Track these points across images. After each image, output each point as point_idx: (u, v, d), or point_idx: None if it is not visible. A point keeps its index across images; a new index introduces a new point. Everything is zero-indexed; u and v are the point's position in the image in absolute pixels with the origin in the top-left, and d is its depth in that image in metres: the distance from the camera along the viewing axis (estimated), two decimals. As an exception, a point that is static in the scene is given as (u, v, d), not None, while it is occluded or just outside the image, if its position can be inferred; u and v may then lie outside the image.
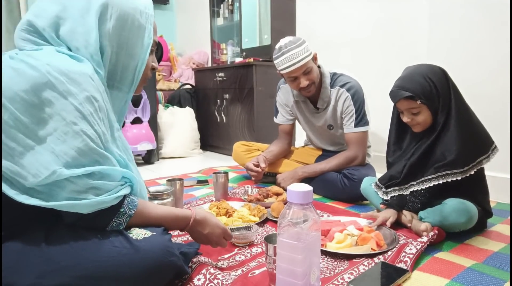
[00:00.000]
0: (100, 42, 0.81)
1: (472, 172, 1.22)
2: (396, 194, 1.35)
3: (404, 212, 1.34)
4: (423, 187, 1.28)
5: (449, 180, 1.23)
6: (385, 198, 1.37)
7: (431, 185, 1.26)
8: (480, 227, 1.31)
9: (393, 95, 1.29)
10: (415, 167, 1.30)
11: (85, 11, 0.80)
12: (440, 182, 1.24)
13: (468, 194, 1.25)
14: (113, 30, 0.82)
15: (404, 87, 1.26)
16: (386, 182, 1.37)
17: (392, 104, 1.36)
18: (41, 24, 0.79)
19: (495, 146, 1.28)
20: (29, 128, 0.70)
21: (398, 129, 1.40)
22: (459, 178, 1.22)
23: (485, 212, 1.31)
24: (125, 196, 0.81)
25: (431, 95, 1.24)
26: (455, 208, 1.20)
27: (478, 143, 1.25)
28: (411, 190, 1.31)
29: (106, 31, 0.81)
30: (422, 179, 1.28)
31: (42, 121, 0.70)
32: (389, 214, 1.32)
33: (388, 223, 1.29)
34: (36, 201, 0.70)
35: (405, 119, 1.31)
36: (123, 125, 2.69)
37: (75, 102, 0.72)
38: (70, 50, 0.79)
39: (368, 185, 1.51)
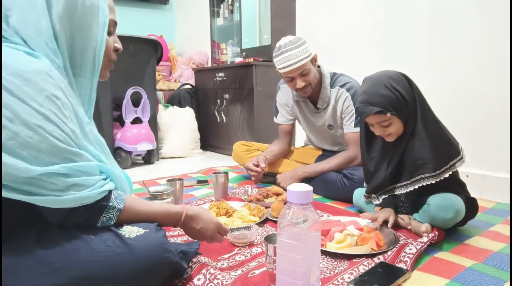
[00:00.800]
0: (53, 28, 0.77)
1: (447, 175, 1.21)
2: (387, 196, 1.36)
3: (400, 216, 1.35)
4: (402, 192, 1.29)
5: (424, 184, 1.23)
6: (377, 202, 1.39)
7: (408, 190, 1.27)
8: (472, 215, 1.32)
9: (361, 111, 1.26)
10: (394, 175, 1.31)
11: None
12: (416, 187, 1.25)
13: (449, 188, 1.25)
14: (63, 13, 0.78)
15: (371, 102, 1.22)
16: (373, 192, 1.39)
17: None
18: None
19: (462, 147, 1.27)
20: None
21: (368, 140, 1.39)
22: (433, 181, 1.22)
23: (468, 199, 1.29)
24: (111, 191, 0.81)
25: (399, 105, 1.22)
26: (439, 206, 1.20)
27: (449, 146, 1.24)
28: (396, 192, 1.32)
29: (56, 15, 0.77)
30: (399, 184, 1.30)
31: (3, 126, 0.67)
32: (388, 213, 1.33)
33: (390, 224, 1.29)
34: (16, 194, 0.69)
35: (377, 132, 1.29)
36: (123, 125, 2.69)
37: (35, 105, 0.70)
38: (24, 40, 0.76)
39: (360, 197, 1.52)
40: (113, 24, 0.89)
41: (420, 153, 1.23)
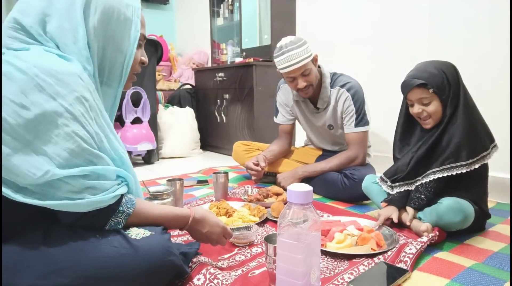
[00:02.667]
0: (87, 37, 0.80)
1: (477, 166, 1.22)
2: (402, 190, 1.33)
3: (407, 208, 1.33)
4: (428, 180, 1.28)
5: (453, 173, 1.23)
6: (390, 192, 1.36)
7: (436, 177, 1.26)
8: (477, 228, 1.31)
9: (406, 84, 1.29)
10: (422, 160, 1.30)
11: (70, 6, 0.78)
12: (445, 174, 1.24)
13: (467, 192, 1.25)
14: (99, 24, 0.81)
15: (417, 76, 1.27)
16: (392, 176, 1.36)
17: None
18: (28, 21, 0.77)
19: (495, 144, 1.29)
20: (15, 130, 0.68)
21: (406, 125, 1.39)
22: (463, 171, 1.22)
23: (482, 212, 1.30)
24: (122, 195, 0.81)
25: (442, 85, 1.25)
26: (450, 207, 1.20)
27: (483, 138, 1.26)
28: (417, 184, 1.31)
29: (91, 25, 0.80)
30: (428, 172, 1.28)
31: (31, 123, 0.69)
32: (391, 212, 1.32)
33: (395, 219, 1.29)
34: (31, 200, 0.70)
35: (415, 110, 1.30)
36: (123, 125, 2.69)
37: (65, 104, 0.71)
38: (58, 47, 0.78)
39: (370, 183, 1.51)
40: (142, 38, 0.92)
41: (455, 140, 1.23)
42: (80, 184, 0.73)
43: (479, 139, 1.25)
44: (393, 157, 1.43)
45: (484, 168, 1.29)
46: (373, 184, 1.49)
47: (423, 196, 1.30)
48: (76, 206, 0.73)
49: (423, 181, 1.29)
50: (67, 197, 0.72)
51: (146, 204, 0.88)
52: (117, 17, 0.83)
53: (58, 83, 0.71)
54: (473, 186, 1.28)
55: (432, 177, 1.27)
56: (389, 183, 1.37)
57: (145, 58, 0.95)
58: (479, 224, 1.30)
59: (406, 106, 1.37)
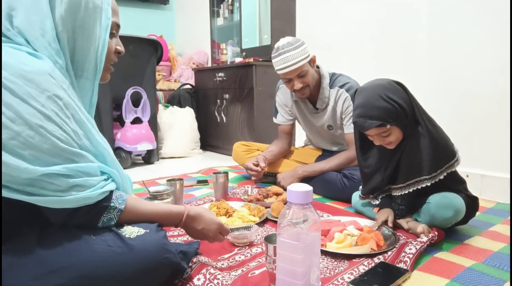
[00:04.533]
0: (55, 28, 0.77)
1: (441, 177, 1.22)
2: (384, 195, 1.37)
3: (398, 220, 1.34)
4: (399, 194, 1.30)
5: (419, 187, 1.24)
6: (375, 203, 1.39)
7: (402, 193, 1.28)
8: (473, 213, 1.32)
9: (360, 126, 1.25)
10: (392, 178, 1.32)
11: None
12: (411, 190, 1.26)
13: (448, 187, 1.25)
14: (66, 13, 0.78)
15: (369, 116, 1.21)
16: (370, 194, 1.40)
17: None
18: None
19: (457, 149, 1.27)
20: None
21: (363, 146, 1.39)
22: (428, 184, 1.22)
23: (470, 197, 1.30)
24: (112, 192, 0.81)
25: (398, 115, 1.21)
26: (439, 205, 1.20)
27: (445, 149, 1.24)
28: (393, 193, 1.33)
29: (59, 16, 0.77)
30: (394, 187, 1.30)
31: (4, 125, 0.67)
32: (387, 213, 1.33)
33: (390, 222, 1.29)
34: (17, 195, 0.69)
35: (377, 143, 1.28)
36: (123, 125, 2.69)
37: (37, 105, 0.70)
38: (27, 41, 0.76)
39: (358, 200, 1.52)
40: (115, 26, 0.89)
41: (417, 156, 1.23)
42: (65, 183, 0.72)
43: (441, 151, 1.23)
44: (361, 173, 1.44)
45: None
46: (361, 201, 1.50)
47: (402, 206, 1.32)
48: (63, 202, 0.72)
49: (396, 194, 1.31)
50: (55, 195, 0.71)
51: (138, 200, 0.88)
52: (86, 5, 0.80)
53: (27, 83, 0.69)
54: (450, 181, 1.27)
55: (399, 192, 1.29)
56: (371, 196, 1.40)
57: (120, 47, 0.92)
58: (473, 209, 1.31)
59: (358, 131, 1.36)
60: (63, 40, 0.79)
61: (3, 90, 0.68)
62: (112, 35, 0.88)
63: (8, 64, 0.70)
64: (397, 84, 1.25)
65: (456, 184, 1.29)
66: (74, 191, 0.73)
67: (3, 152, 0.67)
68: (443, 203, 1.20)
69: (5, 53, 0.71)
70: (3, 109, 0.67)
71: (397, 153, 1.28)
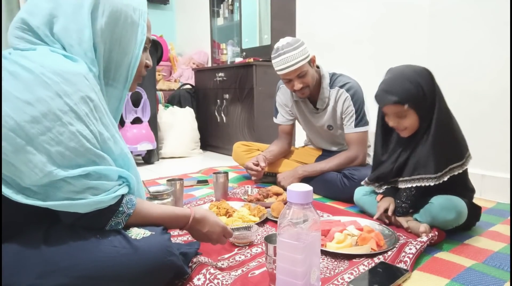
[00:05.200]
0: (93, 39, 0.80)
1: (445, 179, 1.21)
2: (389, 186, 1.37)
3: (398, 218, 1.34)
4: (404, 187, 1.29)
5: (422, 184, 1.23)
6: (379, 191, 1.39)
7: (406, 186, 1.28)
8: (473, 221, 1.32)
9: (379, 99, 1.26)
10: (400, 170, 1.31)
11: (77, 7, 0.79)
12: (415, 185, 1.25)
13: (454, 191, 1.25)
14: (106, 26, 0.81)
15: (390, 92, 1.22)
16: (375, 182, 1.39)
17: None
18: (35, 22, 0.78)
19: (469, 154, 1.27)
20: (20, 127, 0.68)
21: (384, 131, 1.39)
22: (431, 183, 1.22)
23: (473, 205, 1.30)
24: (123, 196, 0.81)
25: (418, 99, 1.21)
26: (442, 206, 1.20)
27: (453, 150, 1.24)
28: (399, 186, 1.32)
29: (98, 28, 0.81)
30: (401, 179, 1.30)
31: (35, 120, 0.69)
32: (388, 202, 1.34)
33: (390, 211, 1.30)
34: (33, 200, 0.70)
35: (391, 123, 1.29)
36: (123, 125, 2.69)
37: (70, 102, 0.71)
38: (64, 47, 0.79)
39: (360, 196, 1.52)
40: (148, 41, 0.92)
41: (424, 153, 1.23)
42: (82, 184, 0.73)
43: (448, 152, 1.23)
44: (374, 159, 1.44)
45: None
46: (364, 197, 1.51)
47: (404, 204, 1.32)
48: (76, 207, 0.73)
49: (401, 187, 1.31)
50: (68, 197, 0.72)
51: (146, 204, 0.88)
52: (124, 20, 0.84)
53: (64, 82, 0.71)
54: (458, 186, 1.27)
55: (404, 185, 1.28)
56: (376, 184, 1.40)
57: (149, 62, 0.96)
58: (474, 217, 1.31)
59: (382, 114, 1.36)
60: (99, 50, 0.81)
61: (38, 84, 0.69)
62: (144, 49, 0.91)
63: (45, 63, 0.72)
64: (427, 71, 1.25)
65: (463, 190, 1.28)
66: (88, 194, 0.74)
67: (31, 149, 0.68)
68: (446, 205, 1.20)
69: (43, 54, 0.74)
70: (36, 103, 0.69)
71: (411, 145, 1.28)
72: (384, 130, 1.38)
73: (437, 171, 1.21)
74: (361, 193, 1.53)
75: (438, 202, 1.22)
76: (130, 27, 0.85)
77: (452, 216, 1.19)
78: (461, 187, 1.29)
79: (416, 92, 1.21)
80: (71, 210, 0.73)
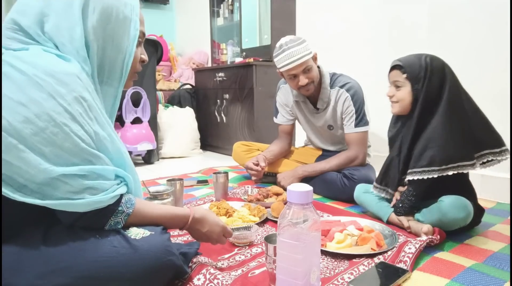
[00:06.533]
0: (85, 36, 0.79)
1: (450, 173, 1.19)
2: (404, 198, 1.32)
3: (399, 218, 1.34)
4: (411, 179, 1.25)
5: (426, 177, 1.20)
6: (389, 197, 1.37)
7: (411, 178, 1.25)
8: (476, 223, 1.32)
9: (392, 65, 1.32)
10: (407, 162, 1.30)
11: (68, 5, 0.78)
12: (421, 177, 1.21)
13: (458, 193, 1.24)
14: (98, 23, 0.81)
15: (399, 59, 1.29)
16: (385, 183, 1.38)
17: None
18: (26, 22, 0.77)
19: (482, 157, 1.23)
20: (13, 127, 0.67)
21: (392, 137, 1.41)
22: (435, 175, 1.19)
23: (477, 206, 1.30)
24: (122, 195, 0.81)
25: (417, 74, 1.25)
26: (453, 204, 1.20)
27: (462, 147, 1.21)
28: (408, 178, 1.27)
29: (90, 25, 0.80)
30: (410, 171, 1.27)
31: (28, 120, 0.68)
32: (420, 226, 1.26)
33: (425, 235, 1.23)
34: (31, 199, 0.70)
35: (388, 91, 1.33)
36: (123, 125, 2.69)
37: (64, 103, 0.71)
38: (56, 46, 0.78)
39: (361, 193, 1.51)
40: (142, 35, 0.91)
41: (432, 143, 1.21)
42: (79, 184, 0.72)
43: (458, 146, 1.21)
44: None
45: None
46: (364, 194, 1.50)
47: (405, 205, 1.32)
48: (75, 206, 0.73)
49: (410, 178, 1.26)
50: (67, 197, 0.72)
51: (145, 204, 0.88)
52: (116, 16, 0.83)
53: (57, 82, 0.71)
54: (460, 187, 1.27)
55: (409, 177, 1.26)
56: (389, 190, 1.37)
57: (145, 56, 0.95)
58: (477, 218, 1.31)
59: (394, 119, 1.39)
60: (92, 48, 0.81)
61: (31, 85, 0.69)
62: (138, 44, 0.90)
63: (37, 63, 0.71)
64: (444, 62, 1.28)
65: (465, 193, 1.26)
66: (87, 194, 0.74)
67: (24, 148, 0.68)
68: (457, 203, 1.19)
69: (35, 54, 0.74)
70: (29, 104, 0.68)
71: (409, 131, 1.28)
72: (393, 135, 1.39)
73: (442, 164, 1.19)
74: (361, 190, 1.52)
75: (448, 200, 1.21)
76: (123, 23, 0.84)
77: (462, 214, 1.19)
78: (463, 188, 1.29)
79: (418, 67, 1.25)
80: (69, 210, 0.73)
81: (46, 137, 0.69)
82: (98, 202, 0.75)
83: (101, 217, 0.78)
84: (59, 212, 0.74)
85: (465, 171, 1.22)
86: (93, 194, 0.74)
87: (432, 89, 1.24)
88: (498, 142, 1.26)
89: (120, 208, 0.80)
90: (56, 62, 0.74)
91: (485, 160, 1.25)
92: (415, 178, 1.23)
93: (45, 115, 0.69)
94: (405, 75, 1.26)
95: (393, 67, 1.31)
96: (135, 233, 0.81)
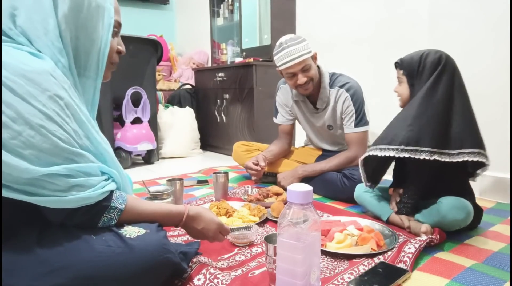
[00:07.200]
0: (59, 27, 0.77)
1: (461, 160, 1.17)
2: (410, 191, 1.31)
3: (400, 217, 1.34)
4: (367, 154, 1.32)
5: (442, 159, 1.19)
6: (398, 154, 1.24)
7: (370, 154, 1.30)
8: (475, 224, 1.32)
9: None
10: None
11: None
12: (437, 158, 1.19)
13: (457, 194, 1.24)
14: (70, 12, 0.78)
15: (403, 57, 1.34)
16: (389, 142, 1.27)
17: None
18: None
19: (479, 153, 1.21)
20: None
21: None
22: (447, 159, 1.19)
23: (476, 206, 1.29)
24: (112, 192, 0.81)
25: (412, 71, 1.30)
26: (452, 205, 1.20)
27: (429, 134, 1.20)
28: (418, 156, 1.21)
29: (62, 15, 0.77)
30: (371, 147, 1.32)
31: (4, 125, 0.66)
32: (420, 226, 1.26)
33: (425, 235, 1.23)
34: (17, 194, 0.69)
35: (395, 86, 1.39)
36: (123, 125, 2.69)
37: (38, 104, 0.69)
38: (29, 40, 0.76)
39: (361, 192, 1.51)
40: (117, 25, 0.90)
41: (403, 118, 1.26)
42: (66, 183, 0.72)
43: (425, 132, 1.20)
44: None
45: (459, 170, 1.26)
46: (365, 194, 1.50)
47: (408, 204, 1.32)
48: (64, 202, 0.72)
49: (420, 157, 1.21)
50: (55, 195, 0.71)
51: (138, 200, 0.88)
52: (88, 4, 0.81)
53: (28, 83, 0.69)
54: (459, 188, 1.27)
55: (366, 153, 1.33)
56: (402, 147, 1.23)
57: (122, 47, 0.93)
58: (476, 219, 1.31)
59: None
60: (66, 38, 0.79)
61: (3, 89, 0.67)
62: (114, 34, 0.89)
63: (8, 64, 0.69)
64: (443, 55, 1.27)
65: (464, 193, 1.27)
66: (75, 191, 0.73)
67: (3, 152, 0.67)
68: (457, 204, 1.19)
69: (5, 53, 0.71)
70: (4, 108, 0.67)
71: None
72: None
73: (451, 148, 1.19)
74: (361, 190, 1.52)
75: (447, 201, 1.21)
76: (96, 11, 0.82)
77: (462, 215, 1.19)
78: (462, 187, 1.29)
79: (414, 64, 1.29)
80: (58, 206, 0.72)
81: (24, 140, 0.68)
82: (86, 198, 0.75)
83: (94, 214, 0.78)
84: (47, 211, 0.74)
85: (421, 158, 1.18)
86: (80, 191, 0.74)
87: (423, 82, 1.27)
88: (477, 145, 1.22)
89: (112, 204, 0.80)
90: (27, 60, 0.72)
91: (460, 160, 1.19)
92: (371, 153, 1.29)
93: (20, 119, 0.68)
94: (402, 72, 1.33)
95: (394, 64, 1.37)
96: (130, 231, 0.80)
